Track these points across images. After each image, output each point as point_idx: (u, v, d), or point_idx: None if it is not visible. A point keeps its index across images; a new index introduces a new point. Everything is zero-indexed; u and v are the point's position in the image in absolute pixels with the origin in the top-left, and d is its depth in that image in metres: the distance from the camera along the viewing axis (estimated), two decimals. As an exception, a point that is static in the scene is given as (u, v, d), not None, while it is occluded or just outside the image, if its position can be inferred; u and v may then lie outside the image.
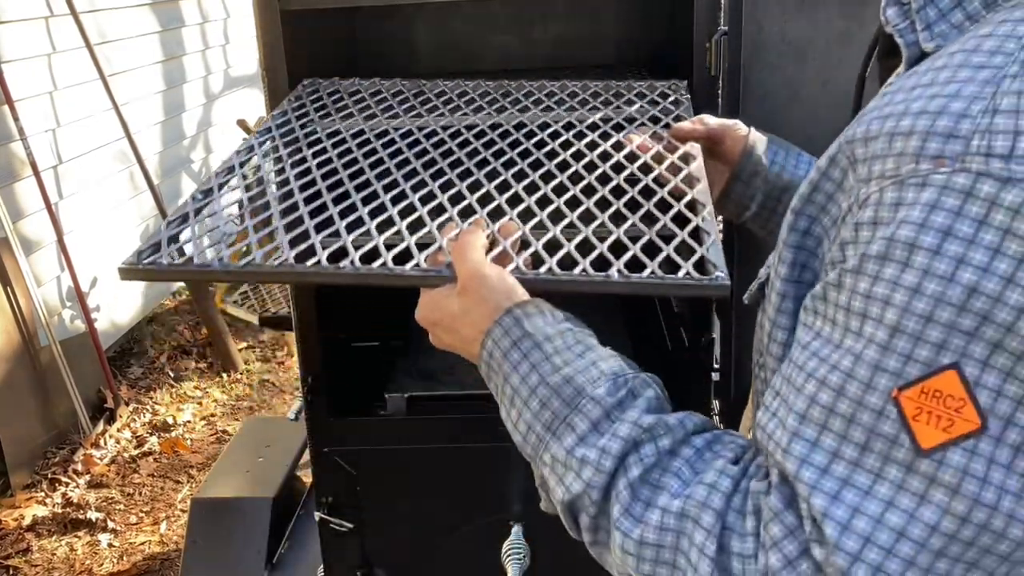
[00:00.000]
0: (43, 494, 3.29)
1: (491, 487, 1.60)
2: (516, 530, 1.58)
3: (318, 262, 0.89)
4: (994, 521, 0.54)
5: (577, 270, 0.84)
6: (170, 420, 3.79)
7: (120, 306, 4.27)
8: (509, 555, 1.56)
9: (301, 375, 1.53)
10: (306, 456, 2.04)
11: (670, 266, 0.85)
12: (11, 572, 2.93)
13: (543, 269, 0.85)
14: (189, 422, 3.81)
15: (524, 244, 0.89)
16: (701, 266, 0.85)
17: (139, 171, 4.09)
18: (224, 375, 4.16)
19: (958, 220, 0.53)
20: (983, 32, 0.60)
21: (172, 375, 4.17)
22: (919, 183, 0.55)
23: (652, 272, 0.84)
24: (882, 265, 0.56)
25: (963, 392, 0.53)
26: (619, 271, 0.84)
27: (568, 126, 1.21)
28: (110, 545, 3.05)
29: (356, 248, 0.90)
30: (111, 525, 3.14)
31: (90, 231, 4.05)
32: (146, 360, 4.30)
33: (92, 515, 3.16)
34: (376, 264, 0.88)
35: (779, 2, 1.19)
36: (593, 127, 1.19)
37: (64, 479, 3.37)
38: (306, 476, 2.16)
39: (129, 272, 0.92)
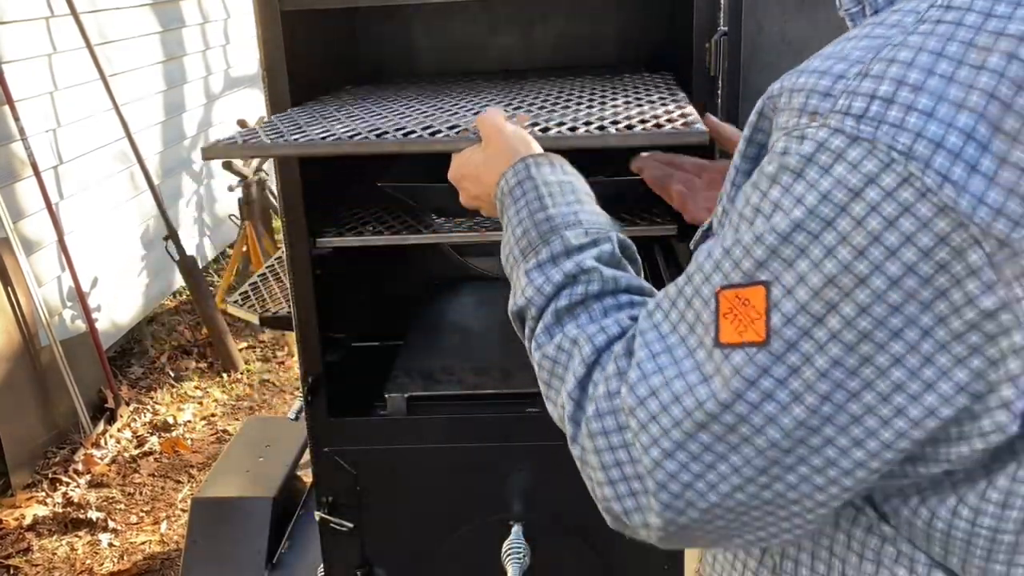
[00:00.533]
0: (44, 494, 3.30)
1: (491, 487, 1.60)
2: (516, 530, 1.59)
3: (365, 138, 1.09)
4: (753, 417, 0.62)
5: (579, 131, 1.04)
6: (170, 420, 3.79)
7: (120, 306, 4.27)
8: (509, 555, 1.56)
9: (301, 375, 1.54)
10: (306, 456, 2.04)
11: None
12: (12, 572, 2.93)
13: (551, 133, 1.04)
14: (189, 422, 3.81)
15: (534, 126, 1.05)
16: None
17: (139, 171, 4.10)
18: (224, 375, 4.16)
19: (808, 166, 0.59)
20: (896, 7, 0.63)
21: (172, 375, 4.17)
22: (799, 136, 0.60)
23: (643, 129, 1.03)
24: (752, 190, 0.63)
25: (763, 308, 0.61)
26: (616, 129, 1.03)
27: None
28: (110, 545, 3.05)
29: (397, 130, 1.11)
30: (112, 525, 3.14)
31: (91, 231, 4.06)
32: (146, 360, 4.31)
33: (93, 515, 3.16)
34: (413, 136, 1.07)
35: (779, 2, 1.19)
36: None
37: (65, 479, 3.37)
38: (306, 476, 2.16)
39: (210, 151, 1.11)
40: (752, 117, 0.69)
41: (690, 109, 1.15)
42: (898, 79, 0.56)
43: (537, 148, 0.90)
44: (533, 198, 0.84)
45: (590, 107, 1.22)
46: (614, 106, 1.21)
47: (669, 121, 1.07)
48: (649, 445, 0.66)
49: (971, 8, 0.57)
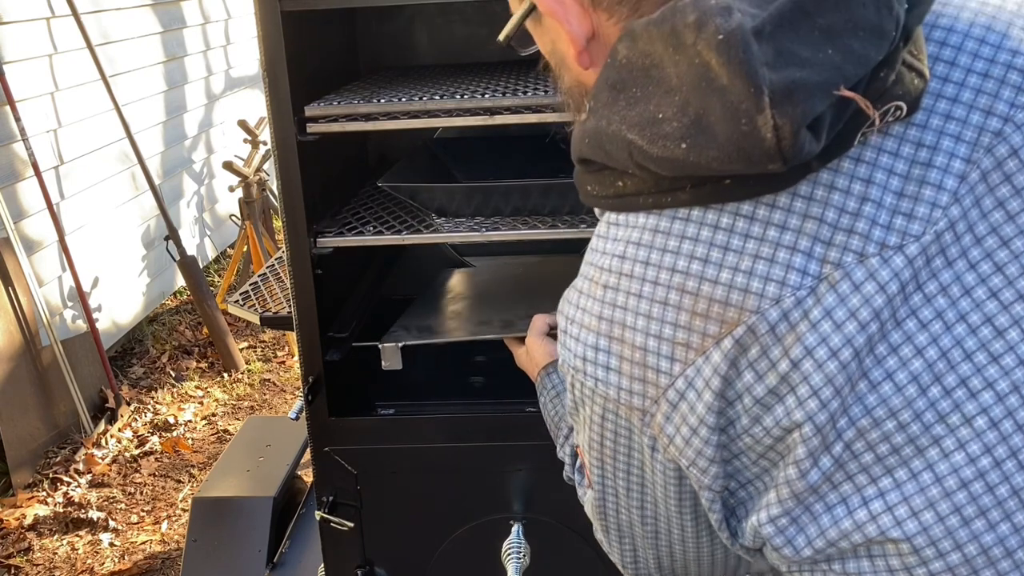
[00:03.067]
0: (44, 493, 3.30)
1: (491, 486, 1.61)
2: (516, 529, 1.59)
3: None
4: (622, 523, 0.88)
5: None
6: (171, 420, 3.80)
7: (121, 306, 4.28)
8: (509, 554, 1.56)
9: (302, 375, 1.54)
10: (307, 455, 2.04)
11: None
12: (12, 571, 2.94)
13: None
14: (190, 421, 3.82)
15: None
16: None
17: (140, 171, 4.10)
18: (225, 375, 4.17)
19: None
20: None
21: (173, 375, 4.18)
22: None
23: None
24: None
25: (586, 463, 0.86)
26: None
27: None
28: (111, 544, 3.06)
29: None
30: (112, 524, 3.14)
31: (91, 231, 4.06)
32: (147, 360, 4.31)
33: (93, 514, 3.17)
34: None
35: (778, 3, 1.19)
36: None
37: (65, 478, 3.37)
38: (307, 475, 2.17)
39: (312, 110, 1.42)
40: None
41: None
42: (564, 313, 0.79)
43: (545, 358, 1.32)
44: (545, 401, 1.27)
45: None
46: None
47: None
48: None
49: (598, 249, 0.76)
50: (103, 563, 2.97)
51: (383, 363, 1.57)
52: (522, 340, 1.43)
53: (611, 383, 0.74)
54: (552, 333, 1.35)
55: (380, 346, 1.56)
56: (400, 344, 1.56)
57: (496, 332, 1.58)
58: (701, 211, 0.69)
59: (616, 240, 0.74)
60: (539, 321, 1.39)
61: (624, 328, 0.72)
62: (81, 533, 3.12)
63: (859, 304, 0.67)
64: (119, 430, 3.71)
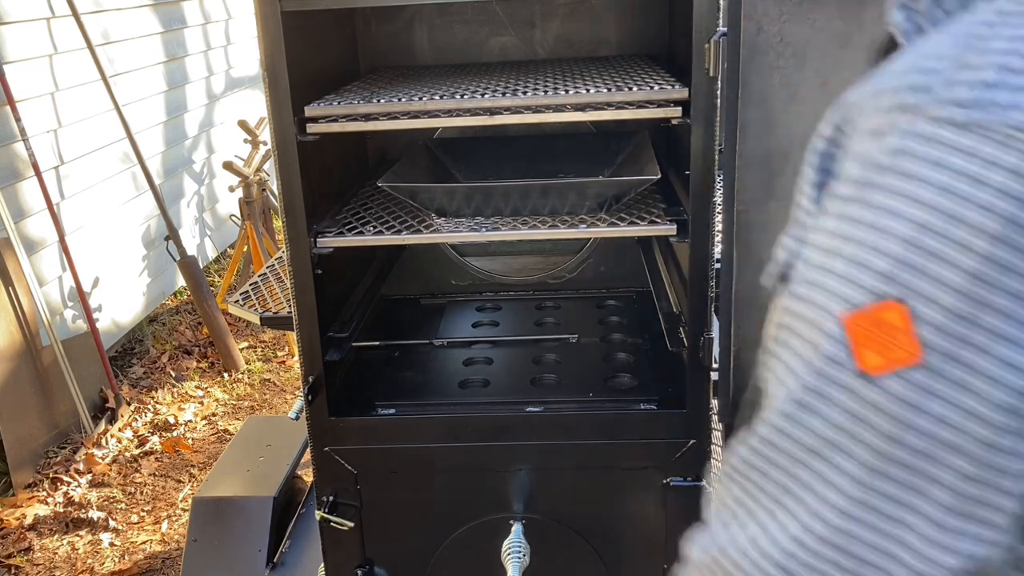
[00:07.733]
0: (45, 493, 3.30)
1: (491, 486, 1.61)
2: (516, 529, 1.59)
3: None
4: (934, 450, 0.56)
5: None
6: (171, 420, 3.80)
7: (121, 306, 4.28)
8: (509, 553, 1.56)
9: (302, 374, 1.54)
10: (307, 455, 2.04)
11: None
12: (13, 571, 2.94)
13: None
14: (190, 421, 3.82)
15: None
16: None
17: (140, 171, 4.10)
18: (225, 374, 4.17)
19: (916, 162, 0.56)
20: (963, 15, 0.62)
21: (173, 375, 4.18)
22: (899, 134, 0.57)
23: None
24: (846, 204, 0.59)
25: (905, 324, 0.55)
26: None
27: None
28: (111, 544, 3.06)
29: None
30: (112, 524, 3.14)
31: (92, 231, 4.06)
32: (147, 360, 4.31)
33: (94, 514, 3.17)
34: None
35: (778, 2, 1.19)
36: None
37: (66, 478, 3.37)
38: (307, 475, 2.17)
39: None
40: (826, 132, 0.65)
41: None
42: (1000, 65, 0.55)
43: None
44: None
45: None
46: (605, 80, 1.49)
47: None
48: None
49: None
50: (103, 563, 2.97)
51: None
52: None
53: None
54: None
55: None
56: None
57: None
58: None
59: None
60: None
61: None
62: (81, 533, 3.12)
63: None
64: (119, 430, 3.71)
